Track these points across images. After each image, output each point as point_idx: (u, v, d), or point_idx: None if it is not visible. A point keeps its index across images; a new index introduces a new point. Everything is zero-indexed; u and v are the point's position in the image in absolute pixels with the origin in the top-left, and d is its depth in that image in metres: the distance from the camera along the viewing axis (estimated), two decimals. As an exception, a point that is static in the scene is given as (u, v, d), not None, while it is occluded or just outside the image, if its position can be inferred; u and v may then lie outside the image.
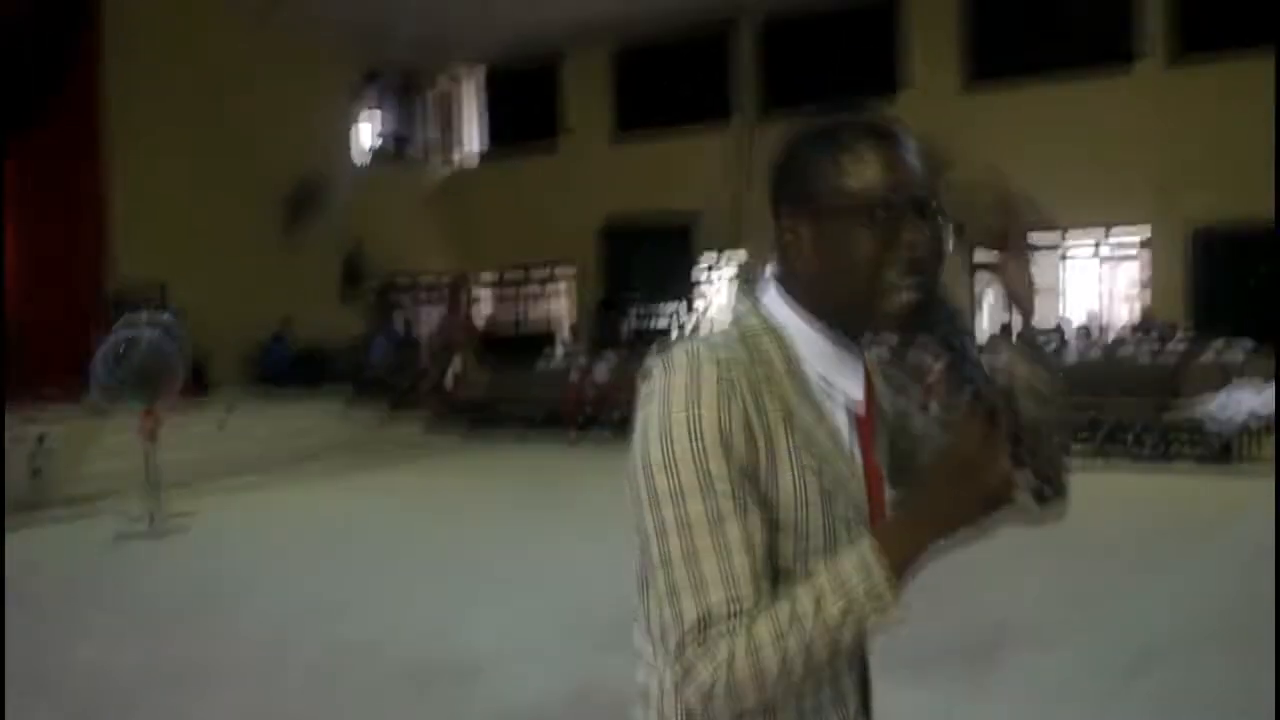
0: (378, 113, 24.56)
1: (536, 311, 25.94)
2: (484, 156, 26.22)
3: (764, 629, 1.44)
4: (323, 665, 6.76)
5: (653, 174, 22.21)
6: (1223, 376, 12.11)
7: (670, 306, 21.76)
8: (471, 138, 26.55)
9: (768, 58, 22.17)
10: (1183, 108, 17.42)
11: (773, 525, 1.54)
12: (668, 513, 1.49)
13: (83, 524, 11.20)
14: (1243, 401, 11.51)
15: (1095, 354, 14.53)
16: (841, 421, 1.64)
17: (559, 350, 20.22)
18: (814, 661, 1.46)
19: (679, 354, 1.55)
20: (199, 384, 15.09)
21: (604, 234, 20.66)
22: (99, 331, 12.01)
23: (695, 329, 20.85)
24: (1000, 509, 1.45)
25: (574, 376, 17.36)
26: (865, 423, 1.68)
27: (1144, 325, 15.86)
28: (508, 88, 25.58)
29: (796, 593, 1.47)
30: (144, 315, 11.43)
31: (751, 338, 1.61)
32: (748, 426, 1.51)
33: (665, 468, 1.49)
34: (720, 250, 22.41)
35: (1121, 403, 12.47)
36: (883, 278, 1.58)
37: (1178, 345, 14.12)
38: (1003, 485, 1.43)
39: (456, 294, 24.50)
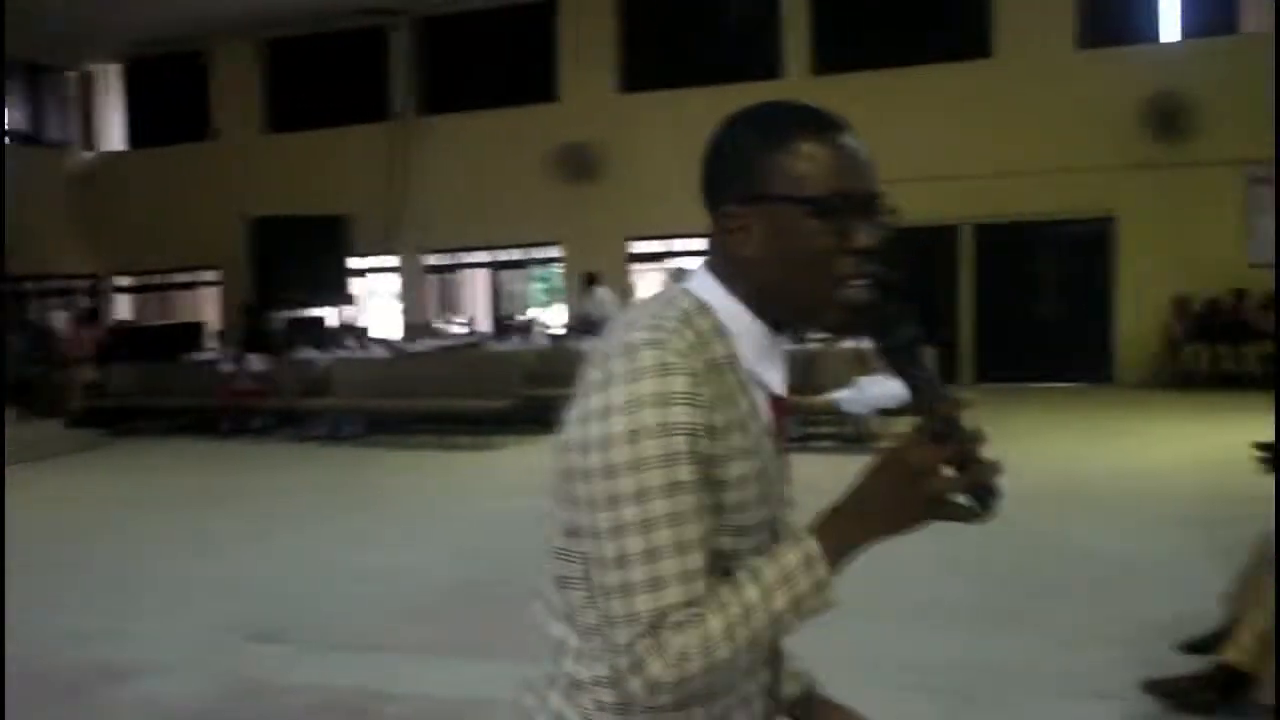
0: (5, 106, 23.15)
1: (185, 310, 25.03)
2: (128, 151, 25.09)
3: (715, 623, 1.50)
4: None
5: (306, 171, 21.81)
6: (853, 369, 12.89)
7: (324, 304, 21.38)
8: (114, 131, 25.36)
9: (425, 56, 22.12)
10: (829, 108, 18.47)
11: (715, 517, 1.58)
12: (628, 512, 1.50)
13: None
14: (871, 391, 12.32)
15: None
16: (764, 411, 1.66)
17: (208, 350, 19.54)
18: (757, 650, 1.56)
19: (645, 357, 1.52)
20: None
21: (254, 231, 20.10)
22: None
23: (358, 328, 20.56)
24: (937, 516, 1.53)
25: (225, 371, 16.83)
26: (780, 412, 1.71)
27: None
28: (152, 80, 24.56)
29: (743, 586, 1.53)
30: None
31: (698, 332, 1.59)
32: (709, 428, 1.53)
33: (632, 469, 1.50)
34: (376, 248, 22.21)
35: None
36: (835, 274, 1.60)
37: (815, 340, 14.92)
38: (943, 495, 1.51)
39: (89, 300, 23.36)
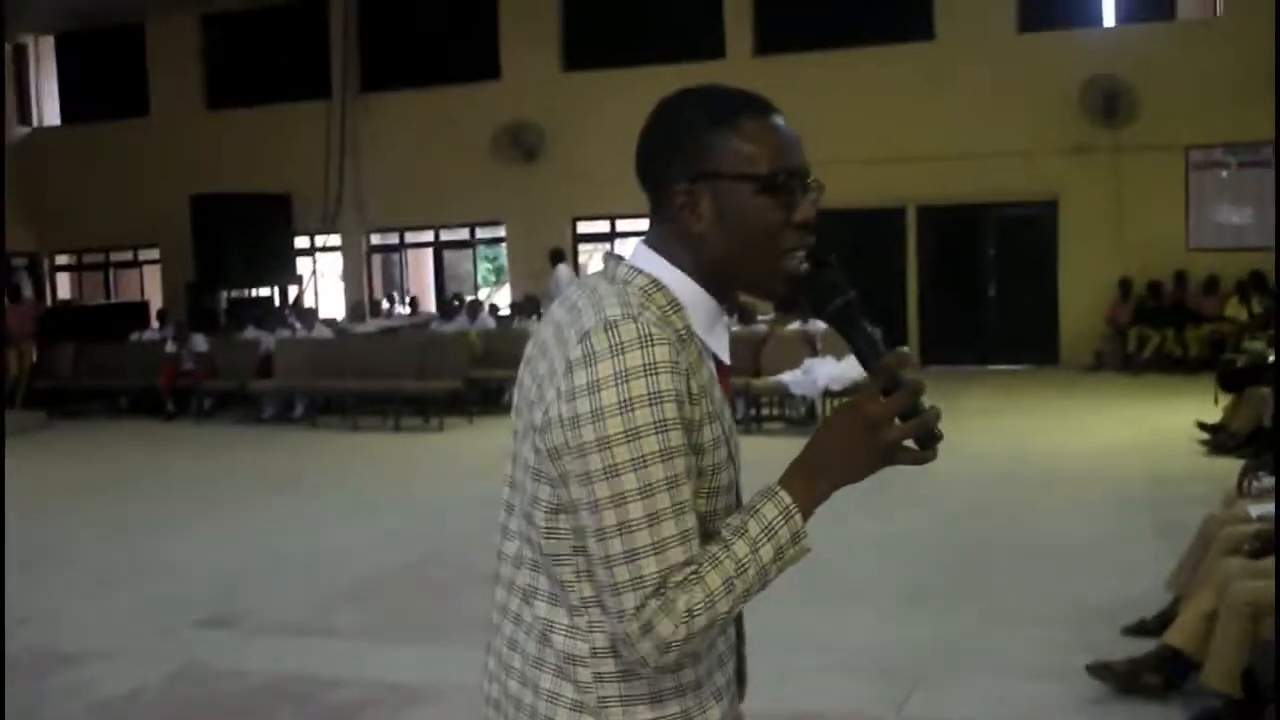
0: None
1: (126, 288, 24.70)
2: (63, 125, 24.64)
3: (714, 579, 1.59)
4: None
5: (247, 149, 21.49)
6: (802, 350, 12.91)
7: (268, 283, 21.13)
8: (48, 105, 24.89)
9: (366, 32, 21.85)
10: (770, 90, 18.37)
11: (697, 479, 1.66)
12: (627, 480, 1.57)
13: None
14: (820, 372, 12.34)
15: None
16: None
17: (151, 329, 19.25)
18: (748, 600, 1.64)
19: (626, 330, 1.59)
20: None
21: (195, 209, 19.81)
22: None
23: (297, 302, 20.33)
24: (893, 461, 1.66)
25: (169, 351, 16.56)
26: (725, 377, 1.79)
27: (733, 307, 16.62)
28: (87, 53, 24.09)
29: (732, 541, 1.62)
30: None
31: (659, 306, 1.69)
32: (689, 394, 1.62)
33: (627, 439, 1.56)
34: (319, 227, 21.99)
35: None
36: (781, 246, 1.72)
37: (764, 321, 14.94)
38: (897, 442, 1.65)
39: (19, 277, 22.87)
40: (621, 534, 1.58)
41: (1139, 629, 5.62)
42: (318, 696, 5.54)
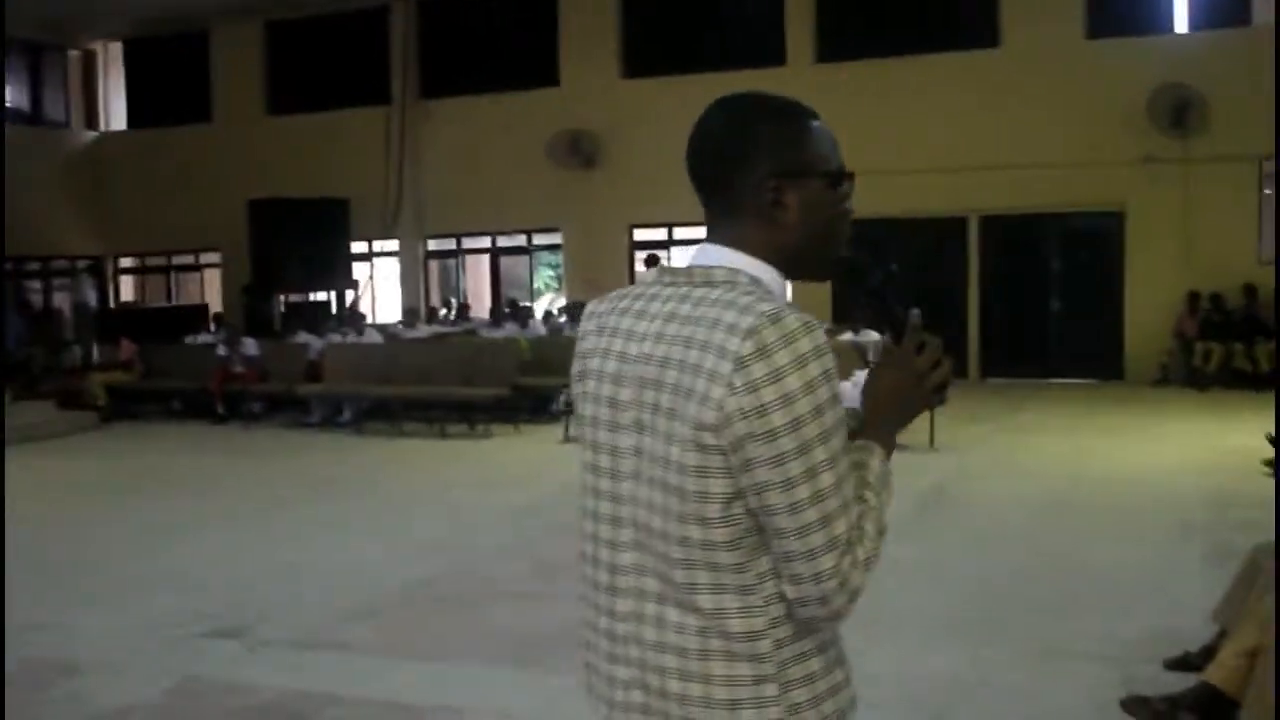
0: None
1: (188, 291, 24.88)
2: (129, 131, 24.88)
3: (871, 527, 1.79)
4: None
5: (307, 154, 21.57)
6: (855, 360, 12.62)
7: (325, 288, 21.10)
8: (114, 111, 25.14)
9: (426, 40, 21.85)
10: (832, 98, 18.05)
11: None
12: (818, 455, 1.72)
13: None
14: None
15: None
16: None
17: (209, 331, 19.29)
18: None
19: (790, 321, 1.73)
20: None
21: (253, 213, 19.84)
22: None
23: (352, 307, 20.29)
24: (928, 405, 1.96)
25: (220, 354, 16.51)
26: None
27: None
28: (153, 60, 24.34)
29: (863, 494, 1.82)
30: None
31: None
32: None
33: (814, 416, 1.71)
34: (376, 233, 22.00)
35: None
36: (842, 233, 1.95)
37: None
38: (938, 389, 1.94)
39: (88, 288, 23.05)
40: (816, 503, 1.71)
41: (1181, 663, 5.28)
42: (310, 714, 5.34)
